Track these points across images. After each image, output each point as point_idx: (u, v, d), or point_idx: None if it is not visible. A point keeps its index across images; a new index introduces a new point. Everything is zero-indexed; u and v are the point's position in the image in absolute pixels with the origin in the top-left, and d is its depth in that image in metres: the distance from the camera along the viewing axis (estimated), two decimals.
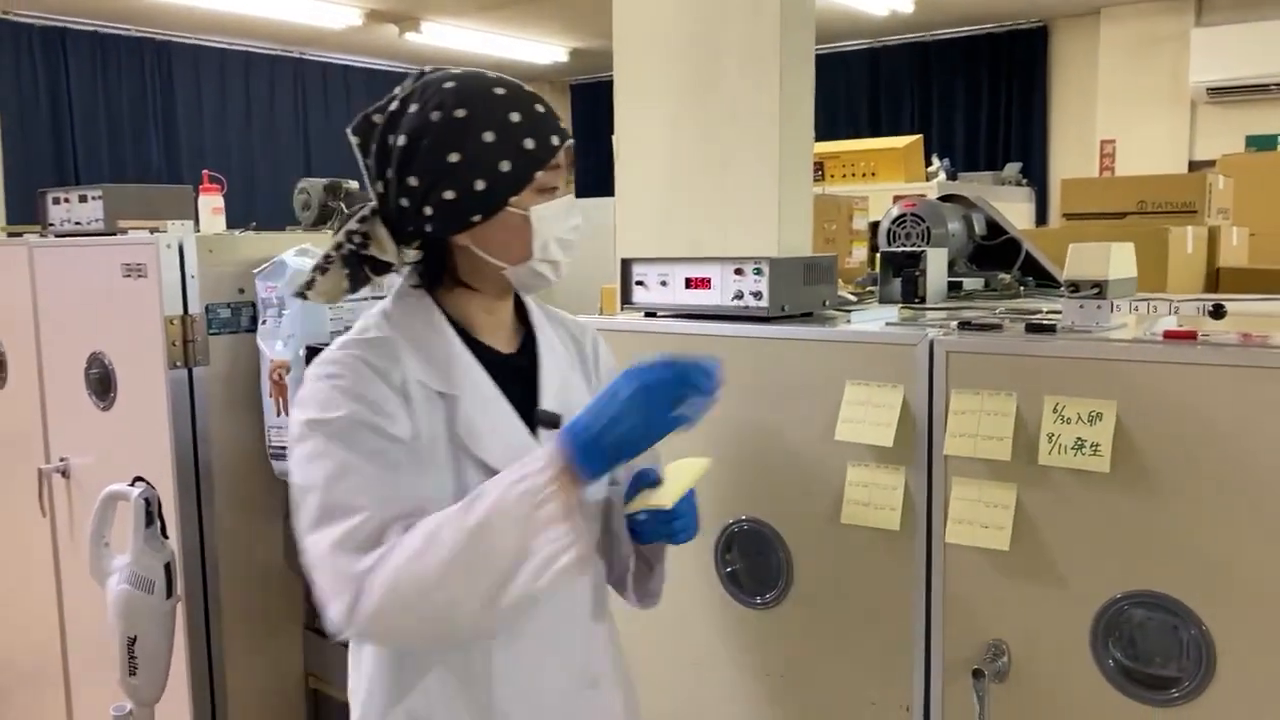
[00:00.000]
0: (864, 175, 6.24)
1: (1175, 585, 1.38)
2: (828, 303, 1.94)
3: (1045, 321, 1.68)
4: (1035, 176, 7.47)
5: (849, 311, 1.97)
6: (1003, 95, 8.17)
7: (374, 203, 1.32)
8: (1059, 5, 7.54)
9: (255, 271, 2.68)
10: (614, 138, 3.10)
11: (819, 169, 6.41)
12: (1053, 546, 1.46)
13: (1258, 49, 6.68)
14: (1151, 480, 1.38)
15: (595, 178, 5.42)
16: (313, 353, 2.58)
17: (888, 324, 1.77)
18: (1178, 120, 7.21)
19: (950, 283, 2.38)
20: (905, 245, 2.57)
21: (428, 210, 1.27)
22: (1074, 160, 7.73)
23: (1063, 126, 7.92)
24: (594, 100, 9.96)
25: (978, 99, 8.28)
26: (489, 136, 1.27)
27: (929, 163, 6.40)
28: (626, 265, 2.00)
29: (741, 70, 2.59)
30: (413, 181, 1.27)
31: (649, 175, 3.12)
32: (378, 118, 1.32)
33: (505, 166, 1.27)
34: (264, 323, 2.65)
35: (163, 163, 8.38)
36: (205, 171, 3.36)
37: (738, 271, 1.85)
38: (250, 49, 8.81)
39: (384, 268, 1.35)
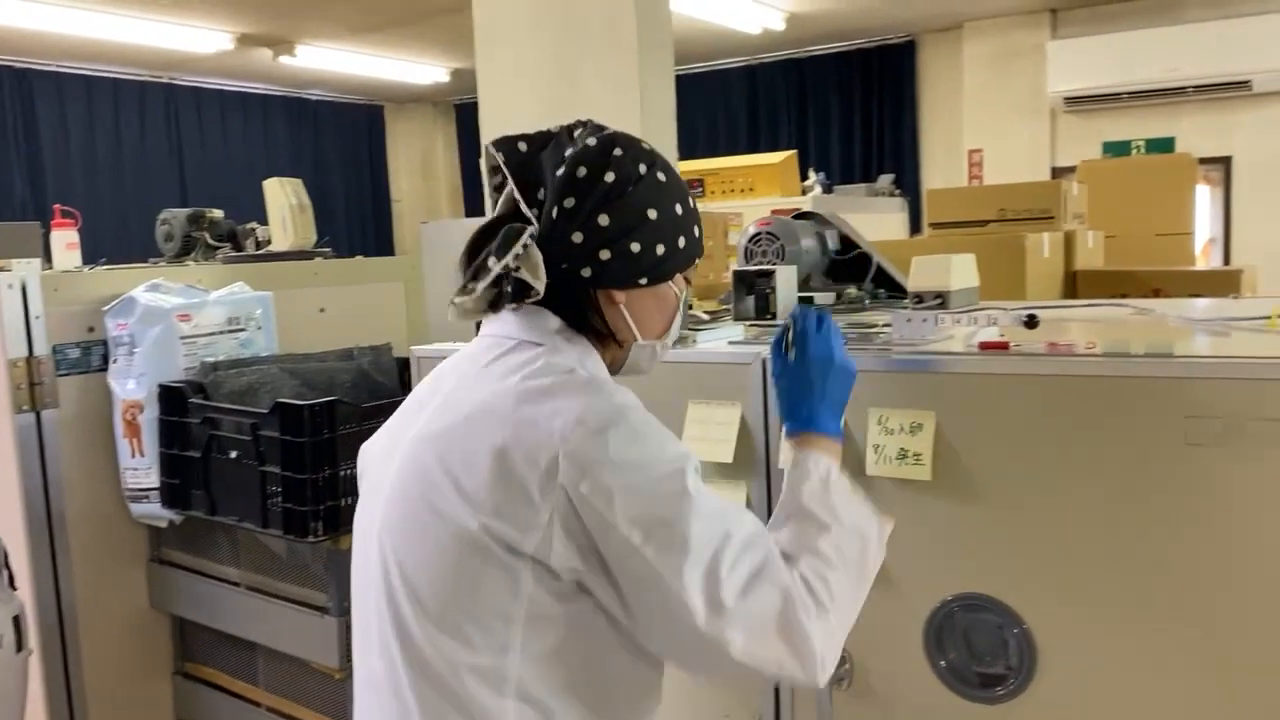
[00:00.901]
0: (743, 191, 6.35)
1: (998, 587, 1.44)
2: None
3: (873, 333, 1.74)
4: (908, 187, 7.69)
5: (698, 331, 2.01)
6: (875, 109, 8.41)
7: (533, 228, 1.20)
8: (924, 21, 7.80)
9: (104, 309, 2.61)
10: (480, 162, 3.09)
11: (700, 185, 6.51)
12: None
13: (1110, 60, 7.01)
14: (970, 487, 1.45)
15: (482, 199, 5.41)
16: (167, 391, 2.52)
17: (731, 343, 1.82)
18: (1039, 129, 7.52)
19: (802, 297, 2.44)
20: (762, 262, 2.63)
21: (604, 254, 1.20)
22: (944, 170, 8.00)
23: (932, 138, 8.20)
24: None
25: (851, 113, 8.52)
26: (679, 209, 1.26)
27: (805, 176, 6.55)
28: None
29: (603, 94, 2.62)
30: (603, 221, 1.19)
31: None
32: (527, 145, 1.24)
33: (683, 242, 1.26)
34: (115, 361, 2.58)
35: (28, 195, 8.06)
36: (56, 206, 3.26)
37: None
38: (118, 75, 8.54)
39: (518, 297, 1.20)
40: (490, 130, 2.72)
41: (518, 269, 1.17)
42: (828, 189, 6.71)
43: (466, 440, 1.14)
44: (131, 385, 2.52)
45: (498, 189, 1.27)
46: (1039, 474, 1.40)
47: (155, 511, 2.57)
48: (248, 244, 3.66)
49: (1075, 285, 4.45)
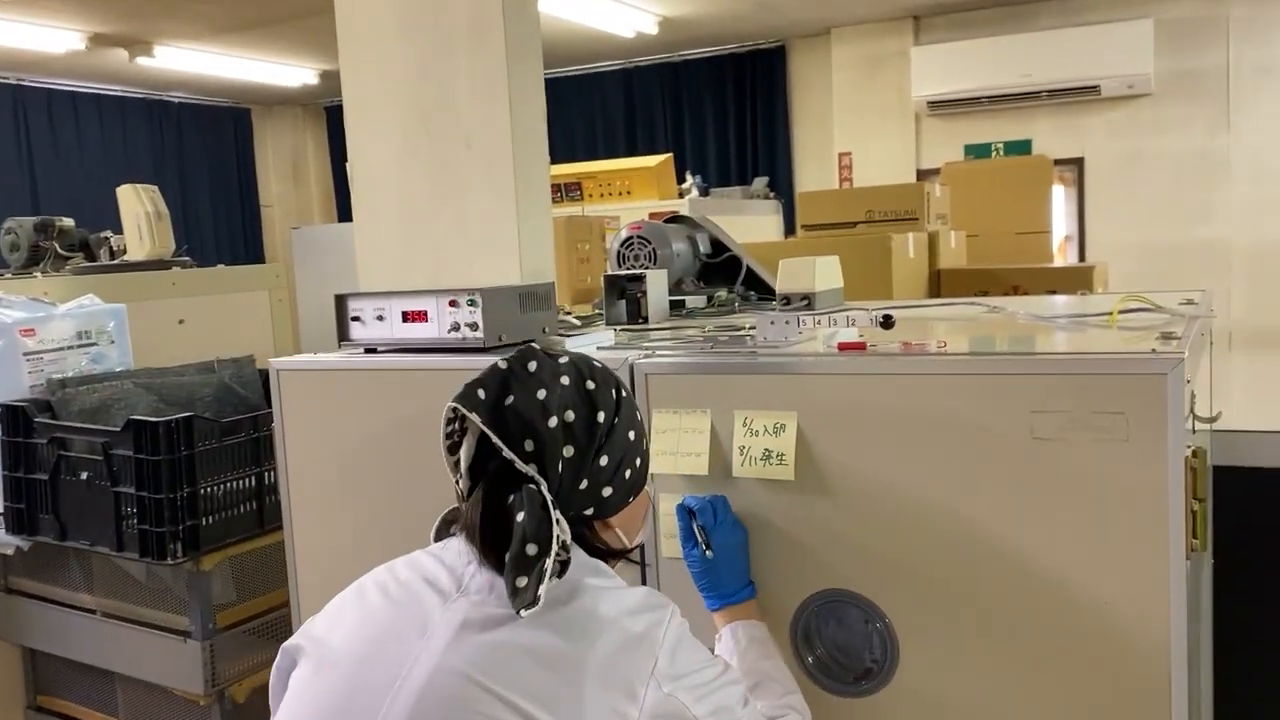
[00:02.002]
0: (620, 194, 6.37)
1: (860, 582, 1.48)
2: (547, 329, 1.97)
3: (740, 335, 1.77)
4: (783, 189, 7.85)
5: (568, 337, 2.00)
6: (749, 112, 8.54)
7: (544, 487, 1.18)
8: (794, 26, 7.96)
9: None
10: (347, 167, 3.04)
11: (577, 189, 6.51)
12: (752, 554, 1.53)
13: (969, 65, 7.27)
14: (831, 485, 1.48)
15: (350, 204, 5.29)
16: (10, 411, 2.39)
17: (599, 348, 1.81)
18: (905, 132, 7.75)
19: (673, 301, 2.46)
20: (634, 266, 2.64)
21: (607, 491, 1.25)
22: (816, 172, 8.17)
23: (804, 141, 8.36)
24: None
25: (726, 117, 8.62)
26: (638, 414, 1.32)
27: (682, 179, 6.61)
28: (341, 301, 1.95)
29: (471, 100, 2.58)
30: (603, 462, 1.24)
31: (384, 205, 3.06)
32: (485, 392, 1.23)
33: (645, 444, 1.32)
34: None
35: None
36: None
37: (452, 303, 1.85)
38: None
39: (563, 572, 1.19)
40: (356, 135, 2.67)
41: (562, 545, 1.17)
42: (705, 192, 6.79)
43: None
44: None
45: (453, 446, 1.27)
46: (896, 471, 1.44)
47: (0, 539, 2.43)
48: (101, 254, 3.51)
49: (939, 284, 4.60)
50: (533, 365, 1.25)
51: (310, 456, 1.95)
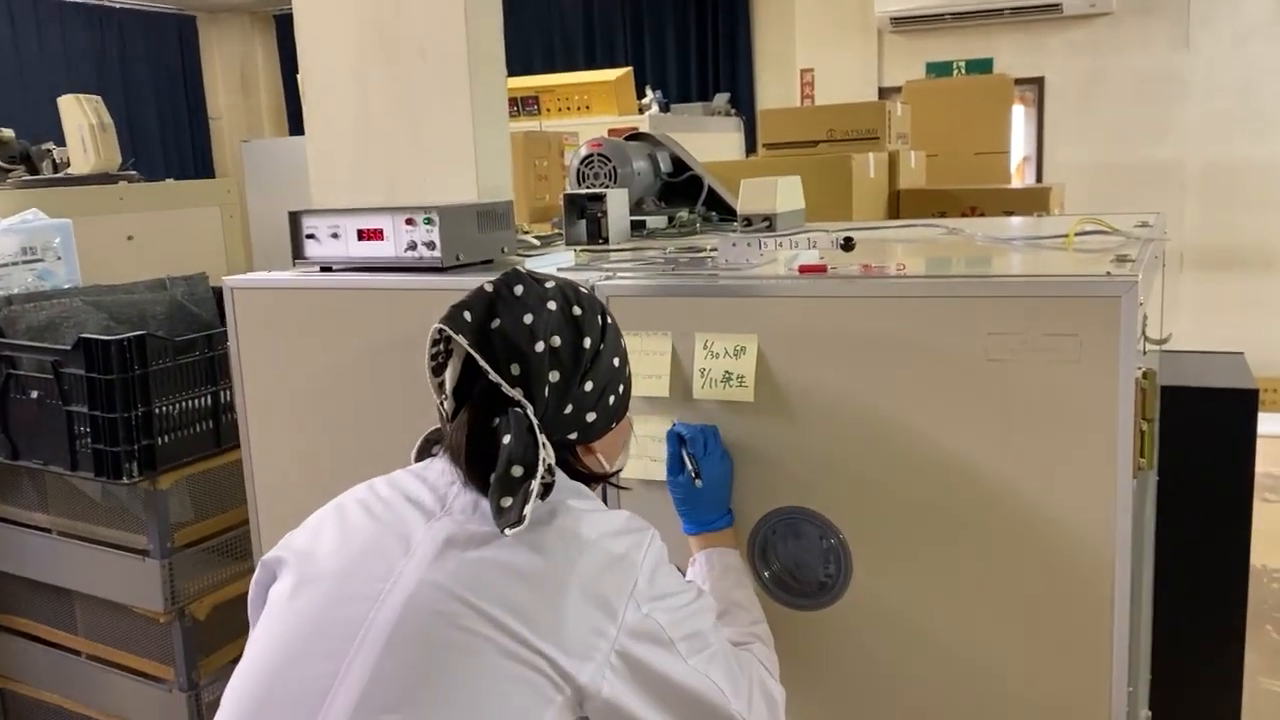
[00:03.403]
0: (579, 109, 6.27)
1: (816, 500, 1.50)
2: (506, 249, 1.95)
3: (702, 257, 1.76)
4: (744, 106, 7.75)
5: (527, 257, 1.98)
6: (710, 26, 8.39)
7: (530, 411, 1.19)
8: None
9: None
10: (298, 78, 2.96)
11: (535, 103, 6.38)
12: None
13: None
14: (790, 407, 1.49)
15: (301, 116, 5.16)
16: None
17: (559, 269, 1.80)
18: (867, 49, 7.66)
19: (634, 222, 2.44)
20: (594, 185, 2.61)
21: (590, 416, 1.26)
22: (778, 89, 8.08)
23: (766, 57, 8.25)
24: None
25: (687, 30, 8.47)
26: (623, 341, 1.33)
27: (642, 94, 6.51)
28: (295, 218, 1.92)
29: (426, 6, 2.52)
30: (588, 387, 1.25)
31: (338, 119, 2.99)
32: (472, 315, 1.22)
33: (628, 371, 1.34)
34: None
35: None
36: None
37: (409, 222, 1.82)
38: None
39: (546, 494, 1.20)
40: (307, 45, 2.59)
41: (548, 468, 1.18)
42: (665, 108, 6.69)
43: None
44: None
45: (438, 368, 1.27)
46: (854, 392, 1.46)
47: None
48: (44, 167, 3.40)
49: (899, 204, 4.60)
50: (519, 289, 1.25)
51: (266, 376, 1.93)
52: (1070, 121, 7.19)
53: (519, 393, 1.20)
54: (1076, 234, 1.77)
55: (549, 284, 1.28)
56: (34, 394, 2.21)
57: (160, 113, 9.35)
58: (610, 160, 2.62)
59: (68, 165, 3.32)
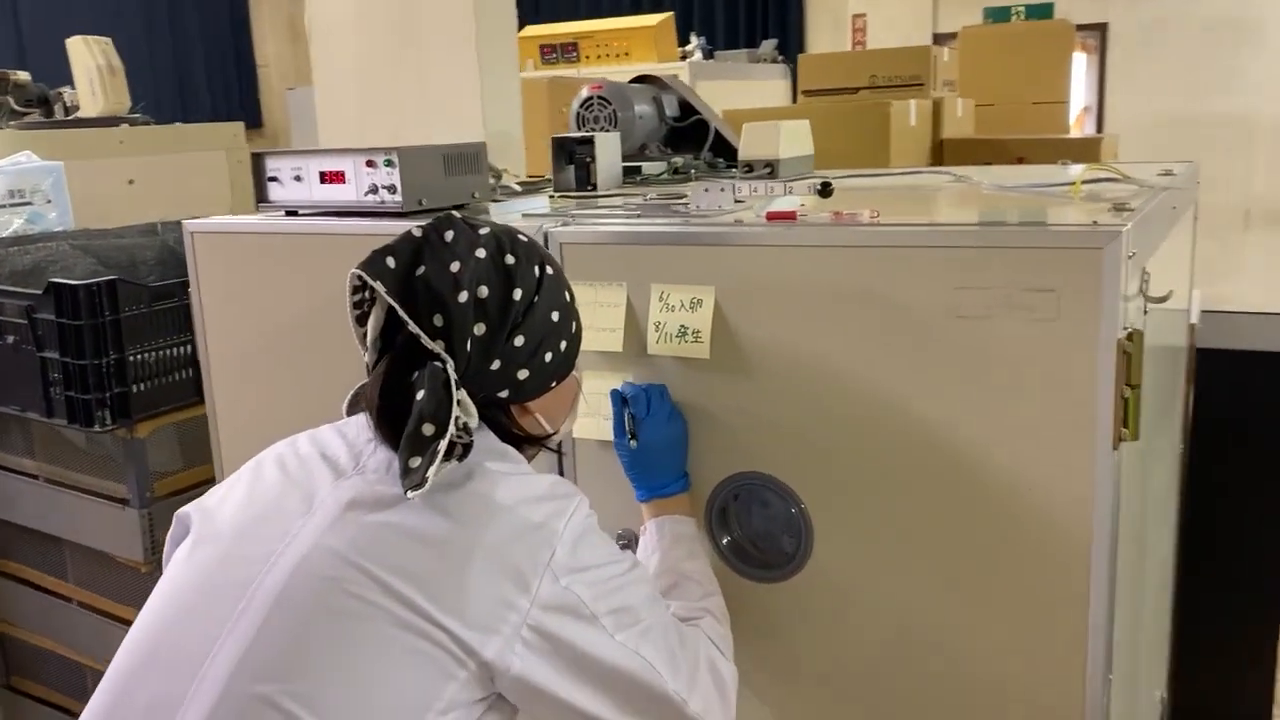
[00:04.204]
0: (618, 56, 6.12)
1: (777, 466, 1.40)
2: (477, 194, 1.85)
3: (676, 205, 1.65)
4: (793, 54, 7.52)
5: (496, 202, 1.88)
6: None
7: (450, 366, 1.10)
8: None
9: None
10: (305, 17, 2.90)
11: (573, 50, 6.25)
12: None
13: None
14: (750, 365, 1.38)
15: None
16: None
17: (524, 215, 1.70)
18: None
19: (630, 168, 2.33)
20: (593, 129, 2.49)
21: (522, 374, 1.17)
22: (828, 35, 7.83)
23: (817, 2, 8.00)
24: None
25: None
26: (568, 295, 1.24)
27: (686, 41, 6.33)
28: (258, 160, 1.84)
29: None
30: (518, 342, 1.15)
31: (343, 59, 2.93)
32: (396, 260, 1.14)
33: (575, 327, 1.24)
34: None
35: None
36: None
37: (369, 164, 1.73)
38: None
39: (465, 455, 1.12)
40: None
41: (463, 428, 1.09)
42: (708, 54, 6.50)
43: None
44: None
45: (362, 317, 1.19)
46: (817, 351, 1.34)
47: None
48: (57, 110, 3.37)
49: (942, 154, 4.42)
50: (449, 235, 1.17)
51: (229, 325, 1.86)
52: (1133, 70, 6.86)
53: (440, 345, 1.12)
54: (1085, 182, 1.63)
55: (483, 230, 1.19)
56: (10, 339, 2.18)
57: (208, 60, 9.38)
58: (610, 103, 2.50)
59: (77, 108, 3.28)
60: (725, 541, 1.46)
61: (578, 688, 1.11)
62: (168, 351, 2.20)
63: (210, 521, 1.16)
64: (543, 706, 1.12)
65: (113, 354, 2.08)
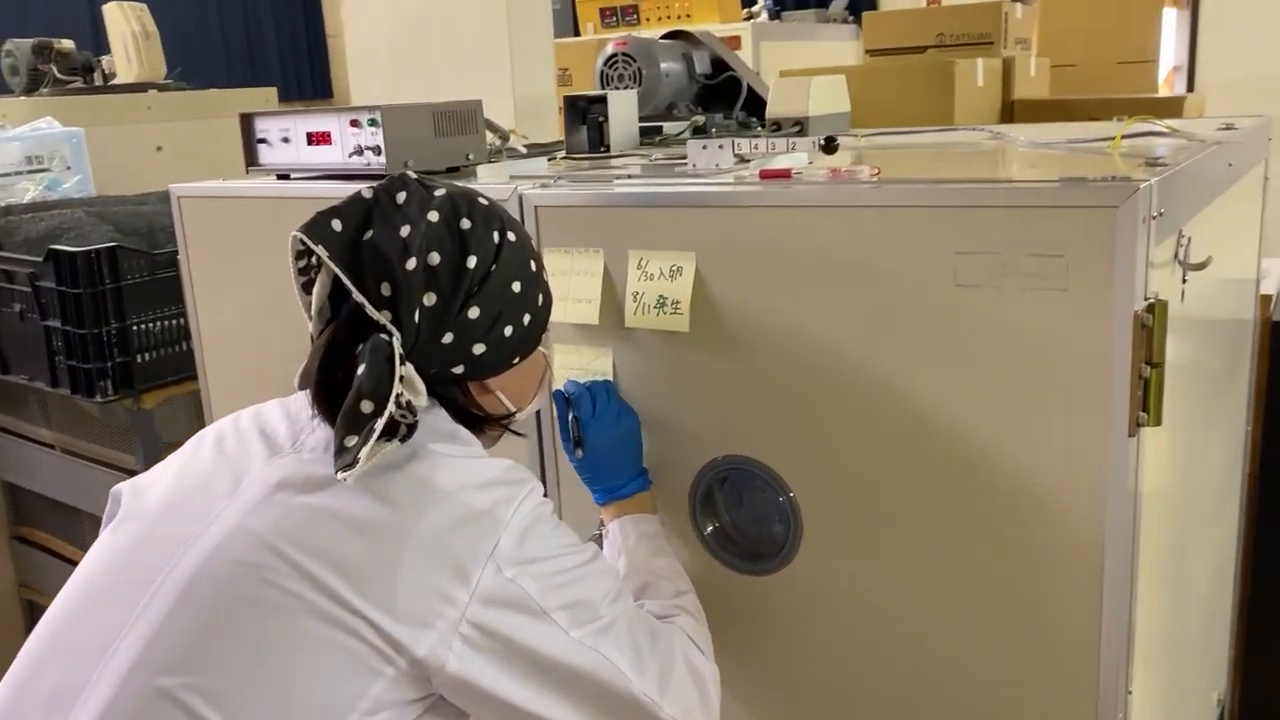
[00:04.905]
0: (679, 17, 5.96)
1: (763, 451, 1.28)
2: (472, 155, 1.75)
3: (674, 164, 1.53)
4: (865, 12, 7.27)
5: (495, 164, 1.78)
6: None
7: (397, 340, 1.02)
8: None
9: None
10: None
11: (634, 13, 6.11)
12: (649, 415, 1.34)
13: None
14: (734, 339, 1.26)
15: None
16: None
17: (511, 176, 1.60)
18: None
19: (650, 128, 2.20)
20: (618, 87, 2.37)
21: (478, 349, 1.07)
22: None
23: None
24: None
25: None
26: (533, 265, 1.13)
27: (753, 1, 6.13)
28: (246, 121, 1.77)
29: None
30: (473, 314, 1.06)
31: (376, 14, 2.87)
32: (343, 224, 1.05)
33: (541, 299, 1.14)
34: None
35: None
36: None
37: (353, 124, 1.64)
38: None
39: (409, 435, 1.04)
40: None
41: (406, 406, 1.00)
42: (775, 15, 6.28)
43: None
44: None
45: (307, 284, 1.09)
46: (806, 324, 1.21)
47: None
48: (95, 77, 3.37)
49: (1012, 115, 4.19)
50: (401, 196, 1.07)
51: (219, 294, 1.80)
52: (1229, 26, 6.43)
53: (386, 316, 1.03)
54: (1124, 136, 1.46)
55: (439, 192, 1.09)
56: (16, 307, 2.16)
57: (278, 29, 9.42)
58: (635, 60, 2.38)
59: (114, 75, 3.27)
60: (709, 531, 1.34)
61: (528, 689, 1.02)
62: (173, 321, 2.15)
63: (138, 499, 1.10)
64: (489, 709, 1.03)
65: (114, 323, 2.04)
